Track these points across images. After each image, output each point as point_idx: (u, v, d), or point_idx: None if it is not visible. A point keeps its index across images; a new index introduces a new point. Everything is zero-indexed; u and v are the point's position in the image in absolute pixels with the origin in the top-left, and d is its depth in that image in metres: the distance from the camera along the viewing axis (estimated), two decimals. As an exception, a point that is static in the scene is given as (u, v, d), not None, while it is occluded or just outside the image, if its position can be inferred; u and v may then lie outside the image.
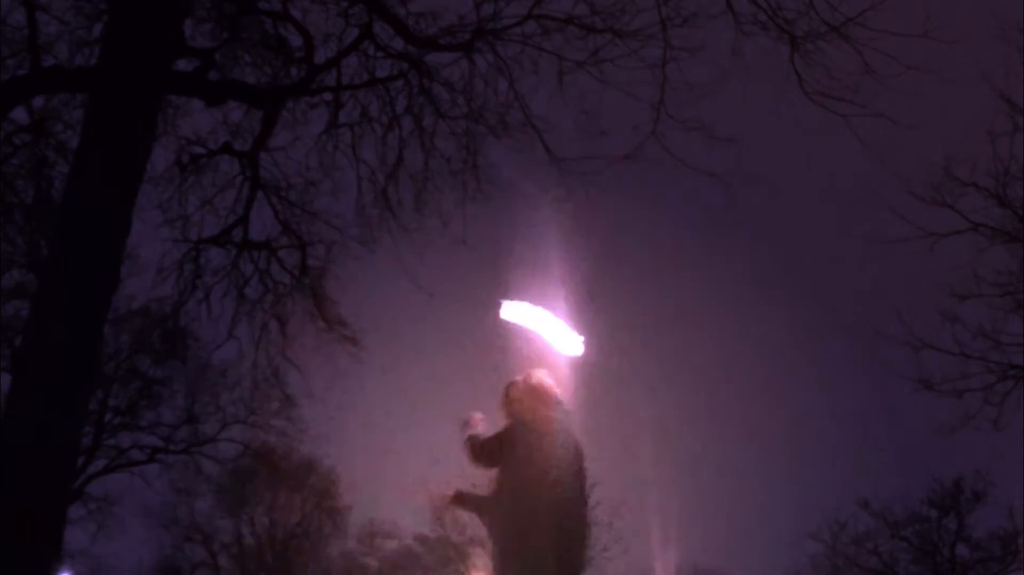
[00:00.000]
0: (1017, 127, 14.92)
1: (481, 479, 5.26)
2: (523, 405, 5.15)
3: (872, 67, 11.44)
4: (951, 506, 29.80)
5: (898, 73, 11.42)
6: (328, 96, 13.60)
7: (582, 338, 5.46)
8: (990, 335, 16.10)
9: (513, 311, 5.39)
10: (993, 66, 14.52)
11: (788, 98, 11.90)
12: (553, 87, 12.61)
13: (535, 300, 5.46)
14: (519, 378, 5.26)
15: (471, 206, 13.08)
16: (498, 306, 5.36)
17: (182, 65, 12.51)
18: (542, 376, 5.25)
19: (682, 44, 12.13)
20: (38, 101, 13.31)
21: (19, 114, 13.25)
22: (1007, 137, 15.06)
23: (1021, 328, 16.02)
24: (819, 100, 11.87)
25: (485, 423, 5.22)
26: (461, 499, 5.23)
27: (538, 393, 5.16)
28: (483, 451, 5.07)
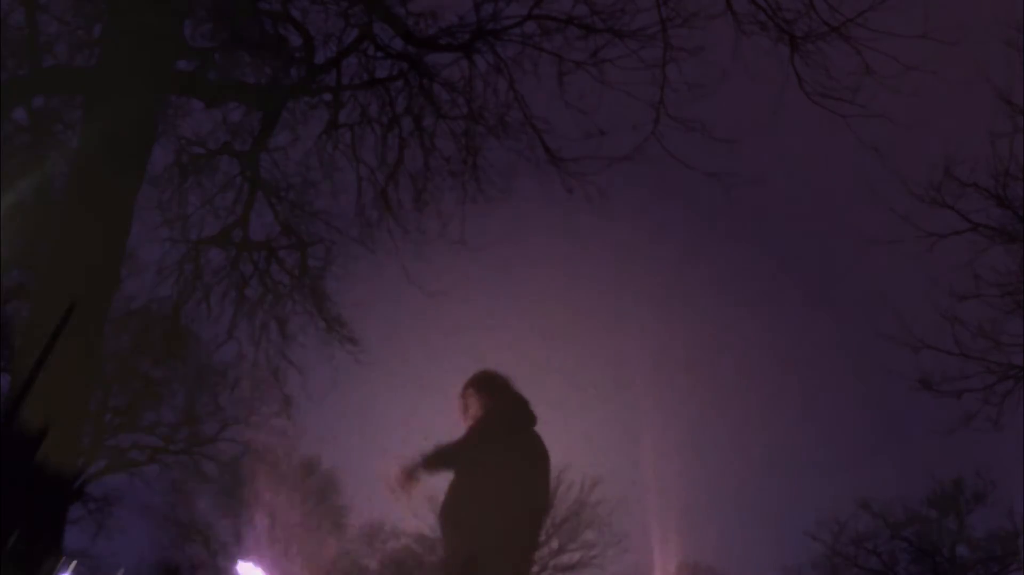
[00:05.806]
0: (1017, 127, 14.88)
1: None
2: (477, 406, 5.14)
3: (872, 67, 11.45)
4: (951, 506, 29.82)
5: (898, 73, 11.43)
6: (328, 96, 13.60)
7: None
8: (990, 335, 16.07)
9: None
10: (993, 66, 14.50)
11: (788, 98, 11.92)
12: (553, 87, 12.62)
13: None
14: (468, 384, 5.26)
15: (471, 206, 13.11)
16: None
17: (182, 65, 12.51)
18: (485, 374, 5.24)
19: (682, 44, 12.14)
20: (38, 101, 13.32)
21: (19, 114, 13.26)
22: (1007, 137, 15.02)
23: (1021, 328, 16.00)
24: (819, 100, 11.87)
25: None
26: (412, 473, 5.16)
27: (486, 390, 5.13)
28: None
